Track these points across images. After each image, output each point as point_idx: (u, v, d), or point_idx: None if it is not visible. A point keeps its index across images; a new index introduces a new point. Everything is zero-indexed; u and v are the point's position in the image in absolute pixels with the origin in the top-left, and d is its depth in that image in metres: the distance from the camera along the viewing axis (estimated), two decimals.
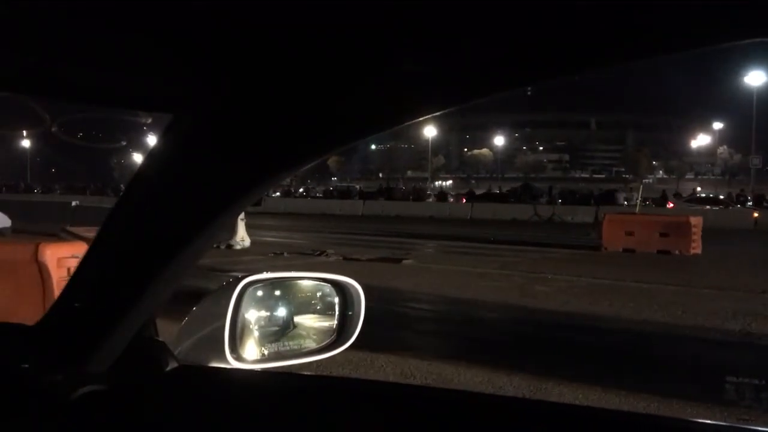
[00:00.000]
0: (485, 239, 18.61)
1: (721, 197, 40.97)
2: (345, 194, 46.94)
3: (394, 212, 34.89)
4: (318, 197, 48.82)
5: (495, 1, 0.62)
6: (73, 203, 19.05)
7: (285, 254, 13.79)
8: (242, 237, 15.09)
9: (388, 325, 7.18)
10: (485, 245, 16.86)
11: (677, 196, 41.40)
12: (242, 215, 15.01)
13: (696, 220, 15.93)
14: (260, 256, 13.36)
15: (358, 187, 57.57)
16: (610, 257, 14.71)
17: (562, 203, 37.25)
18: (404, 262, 12.78)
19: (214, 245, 13.68)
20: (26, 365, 0.97)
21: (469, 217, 32.78)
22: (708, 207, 34.58)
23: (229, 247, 14.58)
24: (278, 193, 44.88)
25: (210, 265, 9.89)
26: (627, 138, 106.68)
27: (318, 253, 13.85)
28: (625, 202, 37.96)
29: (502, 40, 0.65)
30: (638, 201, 23.58)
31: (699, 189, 61.73)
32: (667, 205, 35.57)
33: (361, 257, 13.22)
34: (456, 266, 12.33)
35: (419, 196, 46.68)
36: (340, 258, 13.20)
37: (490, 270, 11.81)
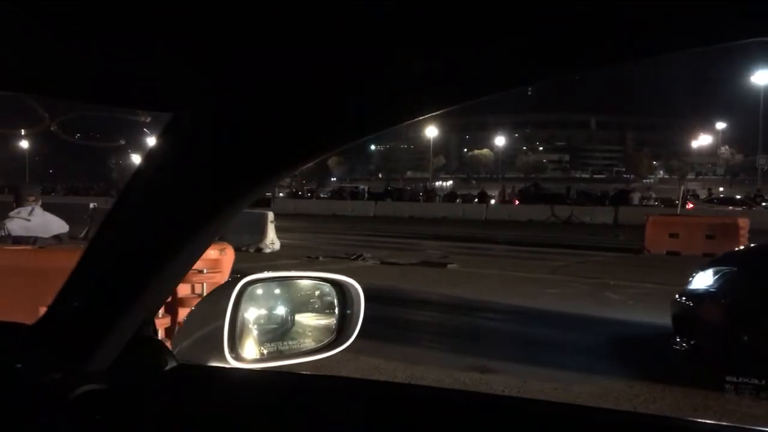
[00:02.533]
0: (517, 241, 17.96)
1: (738, 197, 40.16)
2: (354, 195, 46.30)
3: (406, 213, 34.04)
4: (323, 197, 48.05)
5: (495, 1, 0.61)
6: (91, 206, 18.43)
7: (320, 258, 13.27)
8: (272, 240, 14.61)
9: (475, 341, 6.58)
10: (521, 248, 16.34)
11: (694, 196, 40.31)
12: (272, 217, 14.47)
13: (744, 222, 15.33)
14: (294, 260, 12.84)
15: (364, 187, 56.87)
16: (659, 260, 14.18)
17: (578, 204, 36.13)
18: (449, 266, 12.27)
19: (243, 248, 12.95)
20: (26, 364, 0.97)
21: (484, 218, 31.88)
22: (731, 207, 33.56)
23: (259, 250, 14.17)
24: (281, 194, 44.20)
25: (243, 270, 9.17)
26: (627, 138, 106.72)
27: (354, 256, 13.31)
28: (638, 203, 37.09)
29: (502, 40, 0.65)
30: (679, 202, 22.90)
31: (722, 189, 60.28)
32: (687, 206, 34.54)
33: (400, 261, 12.72)
34: (505, 271, 11.76)
35: (429, 196, 45.97)
36: (378, 262, 12.75)
37: (543, 276, 11.25)
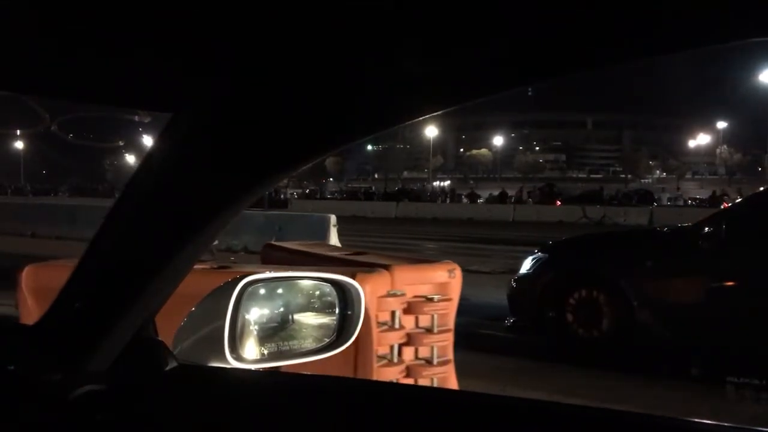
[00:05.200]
0: None
1: None
2: (369, 196, 45.94)
3: (429, 214, 33.03)
4: (329, 198, 47.66)
5: (495, 1, 0.62)
6: None
7: None
8: (335, 244, 13.06)
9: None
10: None
11: (725, 196, 38.61)
12: (334, 221, 12.89)
13: None
14: None
15: (372, 188, 56.62)
16: None
17: (610, 204, 34.62)
18: None
19: None
20: (26, 364, 0.97)
21: (511, 219, 30.78)
22: None
23: None
24: (285, 195, 44.01)
25: None
26: (623, 138, 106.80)
27: None
28: (669, 203, 36.02)
29: (501, 40, 0.65)
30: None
31: (762, 189, 58.33)
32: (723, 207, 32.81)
33: (482, 269, 11.73)
34: None
35: (447, 197, 45.58)
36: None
37: None
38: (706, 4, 0.56)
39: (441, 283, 3.64)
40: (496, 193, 47.39)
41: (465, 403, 0.95)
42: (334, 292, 1.26)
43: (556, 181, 65.81)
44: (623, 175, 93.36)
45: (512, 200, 40.11)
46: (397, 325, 3.42)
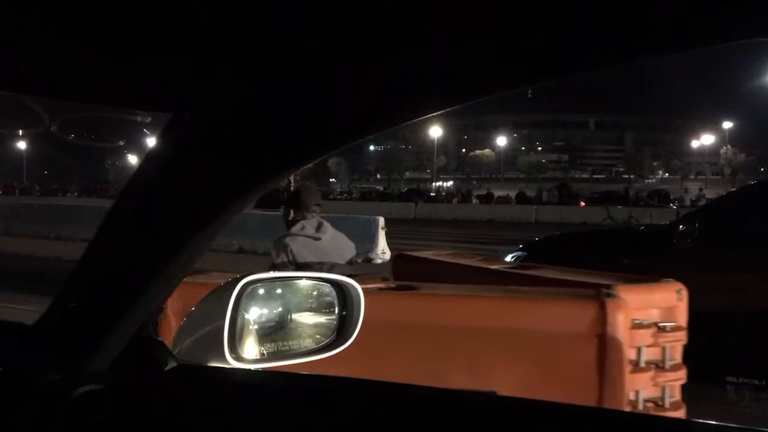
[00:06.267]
0: None
1: None
2: (384, 196, 45.61)
3: (447, 215, 32.44)
4: (339, 199, 47.43)
5: (495, 2, 0.61)
6: None
7: None
8: (383, 249, 12.17)
9: None
10: None
11: None
12: (382, 223, 12.14)
13: None
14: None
15: (384, 188, 56.49)
16: None
17: (635, 205, 33.28)
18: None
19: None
20: (25, 364, 0.98)
21: (534, 220, 30.14)
22: None
23: (368, 260, 11.47)
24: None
25: None
26: (625, 138, 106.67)
27: None
28: (690, 204, 35.43)
29: (502, 40, 0.65)
30: None
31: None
32: None
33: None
34: None
35: (464, 197, 45.52)
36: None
37: None
38: (706, 4, 0.56)
39: (668, 308, 3.06)
40: (502, 194, 47.09)
41: (465, 403, 0.95)
42: (334, 292, 1.26)
43: (559, 181, 65.68)
44: (626, 176, 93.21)
45: (517, 201, 39.75)
46: (642, 363, 2.87)
